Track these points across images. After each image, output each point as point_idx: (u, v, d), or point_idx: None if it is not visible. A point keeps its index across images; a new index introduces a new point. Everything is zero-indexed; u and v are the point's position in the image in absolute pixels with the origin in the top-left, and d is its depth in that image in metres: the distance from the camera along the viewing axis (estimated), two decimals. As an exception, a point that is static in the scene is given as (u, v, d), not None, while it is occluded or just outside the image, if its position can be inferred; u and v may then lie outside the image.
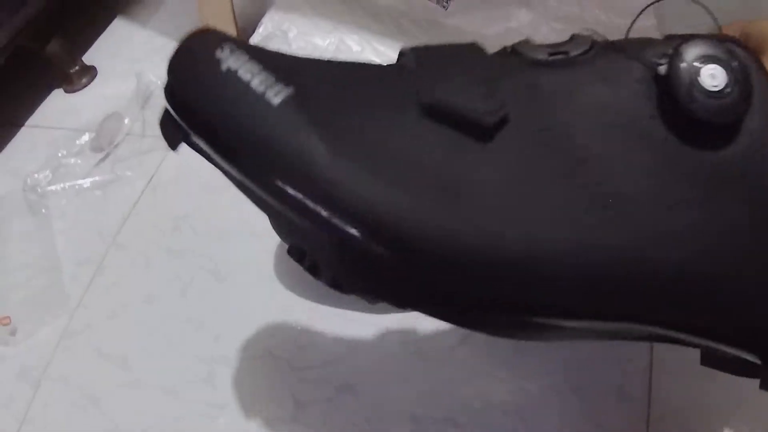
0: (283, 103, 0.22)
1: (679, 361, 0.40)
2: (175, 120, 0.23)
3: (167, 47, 0.26)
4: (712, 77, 0.23)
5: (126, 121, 0.59)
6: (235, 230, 0.50)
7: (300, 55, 0.25)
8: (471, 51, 0.25)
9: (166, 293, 0.48)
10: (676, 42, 0.24)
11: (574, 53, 0.25)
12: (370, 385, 0.42)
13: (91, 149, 0.57)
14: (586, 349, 0.41)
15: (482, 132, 0.23)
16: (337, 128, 0.22)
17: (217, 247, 0.49)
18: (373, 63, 0.26)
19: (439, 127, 0.23)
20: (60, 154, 0.57)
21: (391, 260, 0.22)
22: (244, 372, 0.43)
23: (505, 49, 0.26)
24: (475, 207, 0.22)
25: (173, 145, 0.25)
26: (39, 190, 0.55)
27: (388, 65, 0.26)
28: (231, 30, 0.62)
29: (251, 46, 0.23)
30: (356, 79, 0.24)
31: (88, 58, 0.67)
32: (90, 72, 0.66)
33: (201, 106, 0.23)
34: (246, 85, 0.22)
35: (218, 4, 0.61)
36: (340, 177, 0.21)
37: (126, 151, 0.57)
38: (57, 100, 0.65)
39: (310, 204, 0.21)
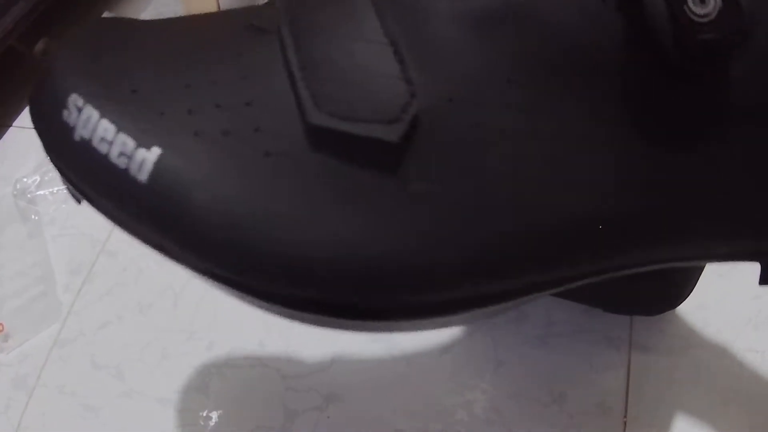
0: (151, 179, 0.18)
1: (655, 374, 0.41)
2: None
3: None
4: (702, 2, 0.17)
5: (114, 124, 0.59)
6: (226, 238, 0.50)
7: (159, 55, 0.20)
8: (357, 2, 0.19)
9: (159, 302, 0.49)
10: None
11: None
12: (357, 395, 0.43)
13: (80, 153, 0.58)
14: (564, 362, 0.42)
15: (385, 149, 0.18)
16: (226, 188, 0.18)
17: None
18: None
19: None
20: (48, 158, 0.57)
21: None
22: (236, 381, 0.44)
23: None
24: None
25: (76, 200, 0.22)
26: (29, 195, 0.55)
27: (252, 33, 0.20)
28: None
29: (103, 87, 0.19)
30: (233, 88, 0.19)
31: (74, 57, 0.67)
32: (77, 72, 0.65)
33: (73, 182, 0.21)
34: (106, 160, 0.19)
35: (204, 4, 0.61)
36: (254, 243, 0.18)
37: (115, 155, 0.57)
38: (44, 101, 0.65)
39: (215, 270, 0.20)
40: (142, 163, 0.18)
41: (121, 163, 0.19)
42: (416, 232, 0.19)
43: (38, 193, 0.56)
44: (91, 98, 0.19)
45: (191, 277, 0.50)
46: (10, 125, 0.63)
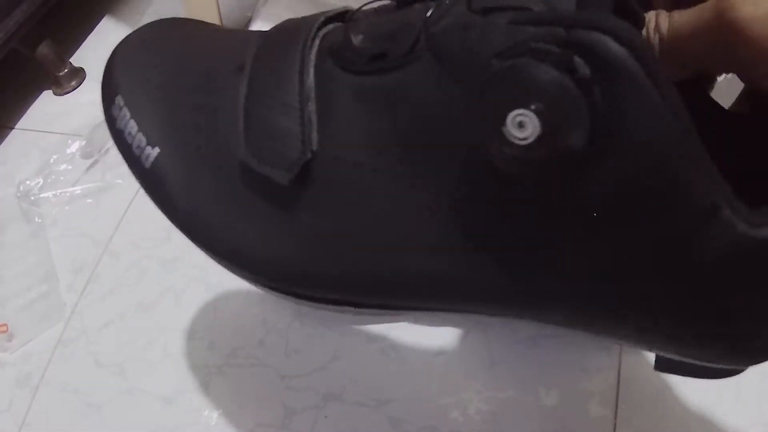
0: (150, 168, 0.27)
1: (646, 376, 0.42)
2: None
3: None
4: (520, 126, 0.17)
5: (116, 126, 0.60)
6: (226, 240, 0.51)
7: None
8: (291, 64, 0.24)
9: (160, 302, 0.50)
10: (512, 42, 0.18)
11: (393, 55, 0.22)
12: (354, 393, 0.44)
13: (81, 156, 0.58)
14: (556, 363, 0.43)
15: (284, 187, 0.24)
16: (190, 185, 0.26)
17: (207, 256, 0.51)
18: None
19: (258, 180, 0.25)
20: (51, 160, 0.58)
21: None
22: (236, 380, 0.45)
23: (331, 47, 0.24)
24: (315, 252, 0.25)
25: None
26: (32, 197, 0.56)
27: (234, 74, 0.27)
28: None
29: (138, 97, 0.27)
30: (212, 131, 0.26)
31: (76, 59, 0.68)
32: (79, 74, 0.66)
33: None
34: (130, 148, 0.27)
35: (204, 7, 0.62)
36: (197, 227, 0.27)
37: (116, 158, 0.58)
38: (46, 103, 0.66)
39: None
40: (148, 156, 0.26)
41: (137, 152, 0.27)
42: (295, 249, 0.25)
43: (41, 195, 0.57)
44: (128, 103, 0.27)
45: (192, 278, 0.51)
46: (13, 127, 0.64)
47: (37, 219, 0.55)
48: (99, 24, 0.71)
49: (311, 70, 0.24)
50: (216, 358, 0.46)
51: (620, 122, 0.17)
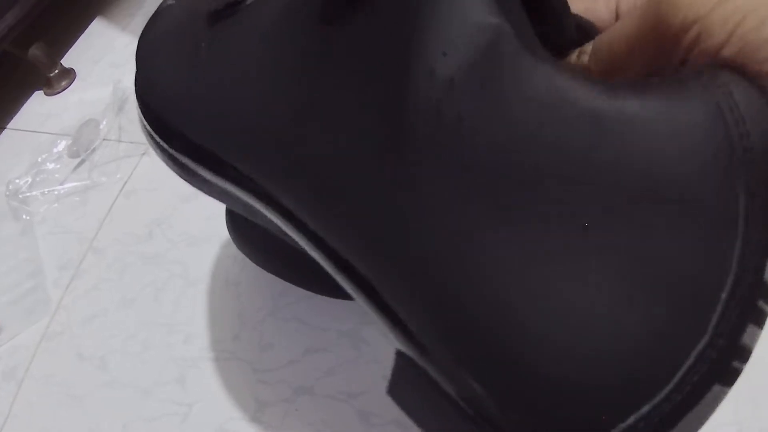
0: (160, 10, 0.31)
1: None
2: None
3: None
4: None
5: (102, 126, 0.61)
6: (204, 237, 0.53)
7: None
8: None
9: (141, 298, 0.51)
10: None
11: None
12: (325, 387, 0.45)
13: (68, 155, 0.60)
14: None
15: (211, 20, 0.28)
16: (167, 24, 0.30)
17: (187, 253, 0.53)
18: None
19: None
20: (40, 159, 0.60)
21: None
22: (211, 373, 0.47)
23: None
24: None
25: None
26: (20, 195, 0.58)
27: None
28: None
29: None
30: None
31: (66, 60, 0.69)
32: (69, 75, 0.68)
33: None
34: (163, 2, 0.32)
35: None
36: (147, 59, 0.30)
37: (102, 156, 0.60)
38: (37, 103, 0.67)
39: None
40: (166, 5, 0.31)
41: (164, 3, 0.31)
42: (199, 88, 0.27)
43: (30, 193, 0.58)
44: None
45: (172, 274, 0.53)
46: (5, 127, 0.66)
47: (25, 217, 0.57)
48: (89, 26, 0.73)
49: None
50: (193, 351, 0.48)
51: None
